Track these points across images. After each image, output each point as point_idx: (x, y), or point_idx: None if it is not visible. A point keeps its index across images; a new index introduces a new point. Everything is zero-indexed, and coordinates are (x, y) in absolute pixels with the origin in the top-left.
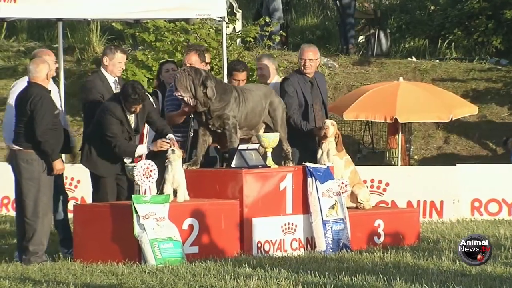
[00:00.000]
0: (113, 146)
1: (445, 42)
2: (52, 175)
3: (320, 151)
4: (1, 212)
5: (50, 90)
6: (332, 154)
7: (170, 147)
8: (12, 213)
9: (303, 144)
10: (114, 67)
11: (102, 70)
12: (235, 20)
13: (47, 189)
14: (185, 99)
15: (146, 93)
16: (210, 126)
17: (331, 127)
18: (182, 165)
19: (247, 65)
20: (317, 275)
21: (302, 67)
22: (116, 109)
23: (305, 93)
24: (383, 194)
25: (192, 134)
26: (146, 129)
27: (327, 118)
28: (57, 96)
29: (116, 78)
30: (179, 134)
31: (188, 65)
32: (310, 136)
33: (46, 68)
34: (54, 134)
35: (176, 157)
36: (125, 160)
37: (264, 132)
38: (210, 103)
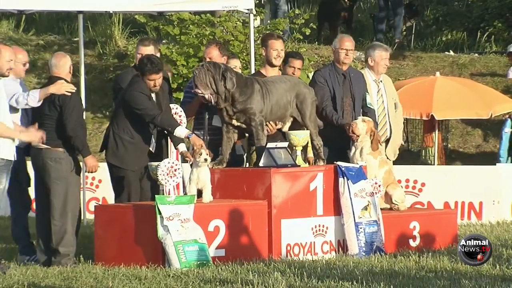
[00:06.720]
0: (152, 118)
1: (485, 35)
2: (85, 173)
3: (353, 149)
4: None
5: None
6: (365, 153)
7: (201, 152)
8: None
9: (331, 141)
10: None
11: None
12: (263, 13)
13: (75, 188)
14: (206, 96)
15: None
16: (234, 121)
17: (360, 125)
18: (208, 165)
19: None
20: (349, 279)
21: (341, 57)
22: (141, 85)
23: (335, 85)
24: (418, 195)
25: (208, 139)
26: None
27: (360, 115)
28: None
29: None
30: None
31: (208, 59)
32: (340, 132)
33: (69, 62)
34: (83, 131)
35: (205, 165)
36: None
37: (291, 127)
38: (231, 97)
